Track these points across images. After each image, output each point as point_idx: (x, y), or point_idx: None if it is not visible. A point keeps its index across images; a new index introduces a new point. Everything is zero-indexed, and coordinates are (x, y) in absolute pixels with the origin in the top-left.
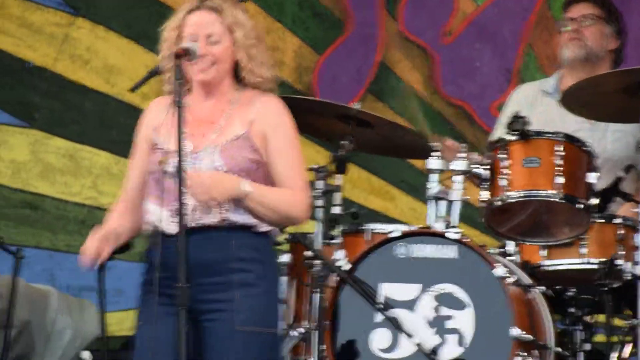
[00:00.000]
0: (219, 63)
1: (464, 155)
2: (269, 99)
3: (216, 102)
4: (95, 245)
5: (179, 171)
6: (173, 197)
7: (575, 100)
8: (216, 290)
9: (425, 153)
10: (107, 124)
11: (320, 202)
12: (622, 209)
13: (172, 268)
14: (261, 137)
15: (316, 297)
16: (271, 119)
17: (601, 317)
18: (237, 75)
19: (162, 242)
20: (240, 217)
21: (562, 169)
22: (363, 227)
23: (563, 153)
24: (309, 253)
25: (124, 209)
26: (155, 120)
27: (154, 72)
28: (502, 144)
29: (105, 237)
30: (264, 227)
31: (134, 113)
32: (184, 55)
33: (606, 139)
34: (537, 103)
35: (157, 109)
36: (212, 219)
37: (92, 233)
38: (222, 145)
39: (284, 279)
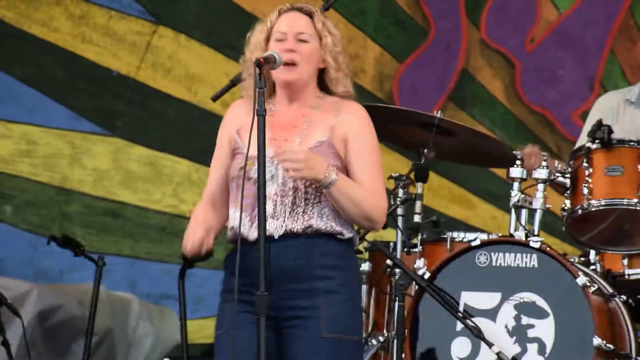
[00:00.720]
0: (305, 63)
1: (545, 163)
2: (351, 104)
3: (298, 106)
4: (199, 234)
5: (259, 180)
6: (254, 203)
7: None
8: (299, 297)
9: (507, 161)
10: (188, 132)
11: (400, 211)
12: None
13: (253, 275)
14: (343, 142)
15: (396, 305)
16: (353, 123)
17: None
18: (320, 84)
19: (243, 248)
20: (323, 224)
21: None
22: (443, 236)
23: None
24: (389, 262)
25: (206, 206)
26: (237, 121)
27: (236, 81)
28: (584, 152)
29: (206, 229)
30: (347, 234)
31: (215, 121)
32: (264, 64)
33: None
34: (621, 112)
35: (240, 111)
36: (295, 225)
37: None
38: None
39: (363, 288)
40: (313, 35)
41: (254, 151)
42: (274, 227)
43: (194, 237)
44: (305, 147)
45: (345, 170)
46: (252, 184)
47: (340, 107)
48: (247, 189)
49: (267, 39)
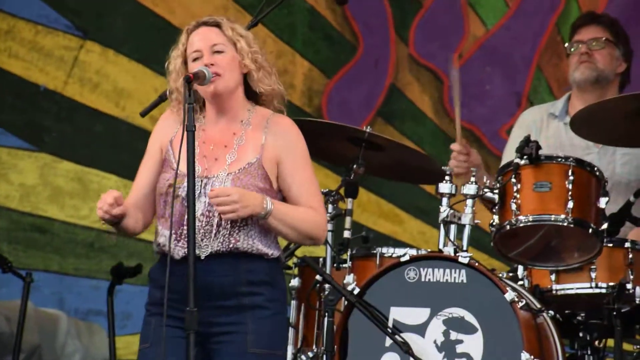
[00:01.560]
0: (227, 72)
1: (474, 178)
2: (281, 120)
3: (228, 121)
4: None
5: (189, 196)
6: (181, 221)
7: (584, 124)
8: (226, 313)
9: (436, 177)
10: (116, 147)
11: (330, 226)
12: (633, 233)
13: (180, 291)
14: (274, 162)
15: (325, 321)
16: (283, 141)
17: (610, 342)
18: (247, 93)
19: (170, 265)
20: (249, 246)
21: (572, 193)
22: (373, 251)
23: (573, 177)
24: (318, 277)
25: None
26: (169, 132)
27: (164, 97)
28: (512, 168)
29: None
30: (273, 254)
31: (144, 136)
32: (194, 79)
33: (615, 162)
34: (544, 126)
35: (170, 122)
36: (221, 247)
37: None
38: (234, 174)
39: (293, 303)
40: (227, 44)
41: (183, 167)
42: (199, 246)
43: (109, 195)
44: (235, 168)
45: (276, 190)
46: (180, 201)
47: (270, 123)
48: (174, 207)
49: (185, 62)
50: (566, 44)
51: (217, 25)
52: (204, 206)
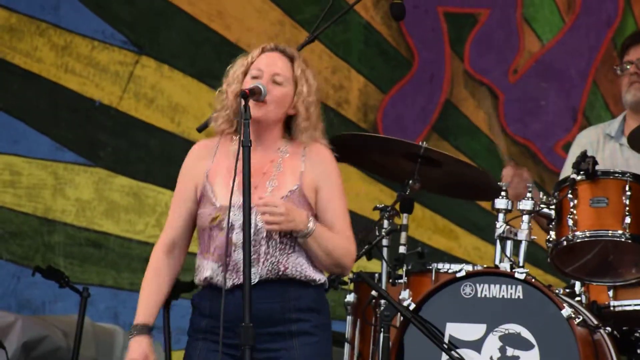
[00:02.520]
0: (274, 104)
1: (530, 194)
2: (318, 148)
3: (265, 149)
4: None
5: (245, 209)
6: (228, 252)
7: None
8: (275, 340)
9: (492, 193)
10: (171, 162)
11: (385, 242)
12: None
13: (230, 320)
14: (312, 189)
15: (381, 337)
16: (321, 167)
17: None
18: (288, 131)
19: (217, 295)
20: (297, 273)
21: (629, 208)
22: (428, 267)
23: (630, 193)
24: (374, 292)
25: (163, 255)
26: (203, 165)
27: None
28: (569, 184)
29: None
30: (320, 280)
31: None
32: (249, 95)
33: None
34: (600, 147)
35: (204, 153)
36: (270, 275)
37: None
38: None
39: (348, 319)
40: (289, 80)
41: (224, 201)
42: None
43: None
44: (278, 196)
45: (315, 215)
46: (223, 233)
47: (307, 152)
48: (219, 239)
49: (245, 73)
50: (616, 66)
51: (291, 58)
52: (251, 235)
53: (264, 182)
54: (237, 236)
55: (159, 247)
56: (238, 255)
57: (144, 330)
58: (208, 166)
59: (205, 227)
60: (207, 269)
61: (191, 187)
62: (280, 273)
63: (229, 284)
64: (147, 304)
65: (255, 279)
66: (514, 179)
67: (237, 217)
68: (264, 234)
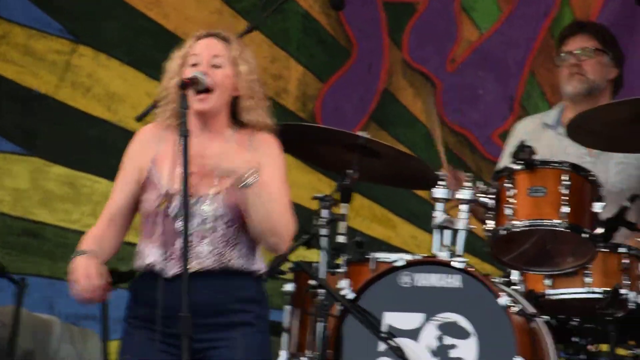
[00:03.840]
0: (217, 89)
1: (469, 184)
2: (264, 137)
3: (212, 137)
4: (94, 285)
5: (185, 213)
6: (172, 239)
7: (581, 130)
8: (217, 330)
9: (430, 182)
10: (108, 152)
11: (324, 231)
12: (632, 240)
13: (168, 308)
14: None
15: (320, 326)
16: (265, 153)
17: (605, 347)
18: (233, 116)
19: (159, 283)
20: (240, 265)
21: (567, 198)
22: (367, 256)
23: (569, 182)
24: (313, 282)
25: (103, 225)
26: (149, 150)
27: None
28: (507, 173)
29: (99, 274)
30: (260, 270)
31: None
32: (190, 84)
33: (609, 171)
34: (538, 136)
35: (150, 138)
36: (213, 265)
37: (79, 269)
38: (224, 192)
39: (287, 308)
40: (228, 61)
41: (174, 186)
42: (191, 266)
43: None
44: (224, 186)
45: None
46: (170, 221)
47: (253, 140)
48: (162, 225)
49: (183, 65)
50: (556, 57)
51: (227, 41)
52: (195, 226)
53: (211, 173)
54: (182, 225)
55: (99, 221)
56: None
57: (85, 253)
58: (155, 152)
59: (149, 213)
60: (149, 255)
61: (136, 170)
62: (224, 265)
63: (171, 272)
64: (88, 245)
65: (198, 269)
66: (451, 183)
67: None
68: (209, 225)
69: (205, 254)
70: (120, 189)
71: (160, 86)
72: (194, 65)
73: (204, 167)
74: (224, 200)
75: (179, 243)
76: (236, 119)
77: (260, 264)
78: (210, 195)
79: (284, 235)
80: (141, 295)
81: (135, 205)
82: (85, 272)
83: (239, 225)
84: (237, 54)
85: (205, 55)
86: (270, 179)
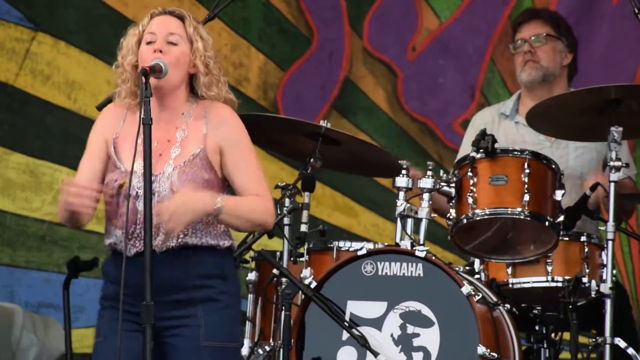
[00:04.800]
0: (172, 66)
1: (430, 173)
2: (218, 107)
3: (170, 115)
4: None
5: (145, 192)
6: (132, 219)
7: (539, 118)
8: (178, 307)
9: (391, 171)
10: (68, 140)
11: (287, 220)
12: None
13: (133, 286)
14: (216, 152)
15: (282, 315)
16: (223, 128)
17: (567, 335)
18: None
19: (122, 262)
20: (197, 240)
21: (528, 186)
22: (330, 245)
23: (529, 170)
24: (275, 271)
25: None
26: (111, 128)
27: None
28: (469, 162)
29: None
30: (224, 244)
31: None
32: (150, 72)
33: (568, 155)
34: (496, 126)
35: (113, 117)
36: (170, 242)
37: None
38: (179, 168)
39: (250, 297)
40: (183, 39)
41: (129, 166)
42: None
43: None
44: (180, 162)
45: (222, 179)
46: (132, 200)
47: (208, 112)
48: (123, 205)
49: (139, 43)
50: (510, 45)
51: (182, 18)
52: (153, 203)
53: (168, 150)
54: (142, 205)
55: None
56: (141, 224)
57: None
58: (116, 131)
59: (112, 194)
60: (112, 234)
61: (102, 147)
62: (180, 241)
63: (133, 251)
64: None
65: (156, 246)
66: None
67: (142, 186)
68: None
69: (161, 231)
70: (86, 168)
71: (115, 64)
72: (150, 42)
73: (160, 146)
74: (179, 175)
75: (139, 222)
76: (195, 93)
77: (223, 238)
78: (166, 172)
79: (268, 222)
80: (108, 275)
81: (101, 180)
82: (76, 182)
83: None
84: (192, 30)
85: (160, 33)
86: (234, 164)
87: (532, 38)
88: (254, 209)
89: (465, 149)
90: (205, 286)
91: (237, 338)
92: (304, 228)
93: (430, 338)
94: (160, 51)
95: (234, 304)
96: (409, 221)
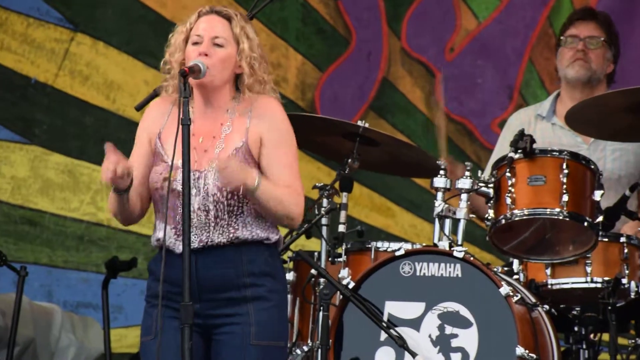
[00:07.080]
0: (216, 68)
1: (469, 173)
2: (263, 100)
3: (215, 112)
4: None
5: (184, 191)
6: (178, 215)
7: (579, 118)
8: (228, 305)
9: (429, 171)
10: (106, 140)
11: (325, 220)
12: (626, 228)
13: (179, 284)
14: (257, 142)
15: (320, 315)
16: (266, 120)
17: (605, 336)
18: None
19: (169, 259)
20: (248, 234)
21: (567, 186)
22: (368, 245)
23: (568, 171)
24: (313, 271)
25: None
26: (158, 123)
27: (159, 91)
28: (507, 162)
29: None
30: (273, 238)
31: (133, 129)
32: (189, 73)
33: (605, 158)
34: (532, 128)
35: (159, 111)
36: (221, 238)
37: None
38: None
39: (288, 297)
40: (229, 40)
41: (177, 160)
42: (199, 241)
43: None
44: (224, 156)
45: (260, 168)
46: (176, 196)
47: (253, 104)
48: (171, 201)
49: (186, 40)
50: (561, 37)
51: (229, 18)
52: (200, 200)
53: (213, 147)
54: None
55: None
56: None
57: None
58: (161, 125)
59: (157, 187)
60: (159, 229)
61: (146, 139)
62: (232, 236)
63: (180, 247)
64: None
65: (207, 244)
66: (450, 174)
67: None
68: (212, 199)
69: (212, 229)
70: (135, 162)
71: (163, 60)
72: (196, 43)
73: (206, 142)
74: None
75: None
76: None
77: (272, 231)
78: (212, 169)
79: (297, 215)
80: (155, 272)
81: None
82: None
83: (242, 195)
84: (239, 31)
85: (206, 35)
86: (272, 154)
87: (588, 39)
88: (286, 197)
89: (500, 149)
90: (256, 284)
91: (285, 336)
92: (341, 228)
93: (468, 339)
94: (206, 54)
95: (283, 302)
96: (447, 222)
